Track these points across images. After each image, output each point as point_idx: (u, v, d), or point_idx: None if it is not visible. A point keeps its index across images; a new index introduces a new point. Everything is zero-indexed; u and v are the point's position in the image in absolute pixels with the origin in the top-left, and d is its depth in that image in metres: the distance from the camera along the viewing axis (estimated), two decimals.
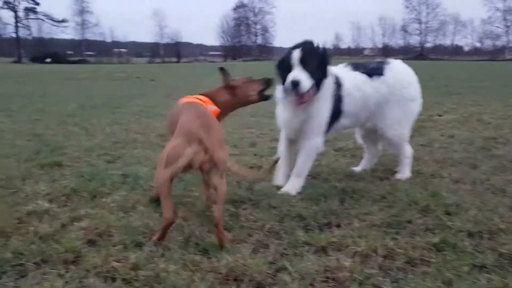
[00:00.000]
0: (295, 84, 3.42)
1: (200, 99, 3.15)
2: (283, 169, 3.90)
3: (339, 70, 3.90)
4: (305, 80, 3.43)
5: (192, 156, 2.51)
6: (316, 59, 3.51)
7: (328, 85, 3.66)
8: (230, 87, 3.35)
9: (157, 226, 2.89)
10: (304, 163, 3.77)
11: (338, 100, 3.75)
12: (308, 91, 3.48)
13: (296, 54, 3.46)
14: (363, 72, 3.94)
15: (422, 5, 78.94)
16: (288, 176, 3.83)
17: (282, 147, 3.98)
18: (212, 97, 3.26)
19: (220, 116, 3.21)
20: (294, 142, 3.92)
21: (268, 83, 3.40)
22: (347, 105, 3.83)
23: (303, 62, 3.45)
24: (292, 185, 3.69)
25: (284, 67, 3.54)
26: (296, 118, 3.68)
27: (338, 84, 3.75)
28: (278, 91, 3.77)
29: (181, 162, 2.50)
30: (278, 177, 3.89)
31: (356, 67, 4.00)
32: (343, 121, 3.92)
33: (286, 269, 2.36)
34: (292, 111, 3.67)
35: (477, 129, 6.79)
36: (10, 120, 7.61)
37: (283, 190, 3.65)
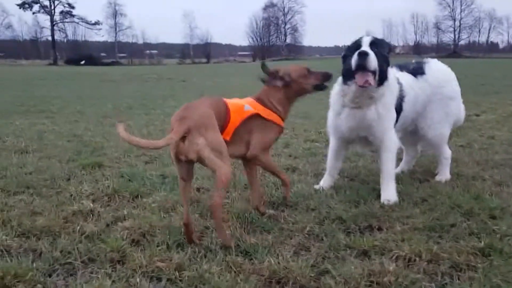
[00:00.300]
0: (363, 54, 3.26)
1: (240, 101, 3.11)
2: (331, 171, 3.88)
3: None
4: (373, 57, 3.28)
5: (170, 145, 2.58)
6: (384, 49, 3.44)
7: (393, 83, 3.58)
8: (282, 82, 3.12)
9: (198, 226, 2.94)
10: (388, 163, 3.61)
11: (400, 99, 3.68)
12: (372, 73, 3.32)
13: (367, 38, 3.40)
14: (408, 73, 3.90)
15: (456, 1, 77.09)
16: (334, 178, 3.88)
17: (332, 149, 3.89)
18: (261, 98, 3.13)
19: (282, 111, 3.13)
20: (345, 145, 3.88)
21: (326, 77, 3.19)
22: (406, 104, 3.76)
23: (372, 45, 3.35)
24: (390, 191, 3.53)
25: (351, 50, 3.40)
26: (360, 122, 3.52)
27: (399, 83, 3.69)
28: (335, 91, 3.66)
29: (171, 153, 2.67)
30: (326, 180, 3.86)
31: (400, 67, 3.95)
32: (398, 122, 3.79)
33: (329, 272, 2.35)
34: (352, 112, 3.52)
35: None
36: (51, 121, 7.86)
37: (383, 200, 3.46)
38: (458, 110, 4.19)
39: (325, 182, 3.87)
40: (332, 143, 3.89)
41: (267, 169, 3.27)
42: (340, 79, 3.58)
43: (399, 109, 3.68)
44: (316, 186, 3.82)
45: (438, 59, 4.23)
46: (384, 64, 3.39)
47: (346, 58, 3.46)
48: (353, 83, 3.39)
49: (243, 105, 3.02)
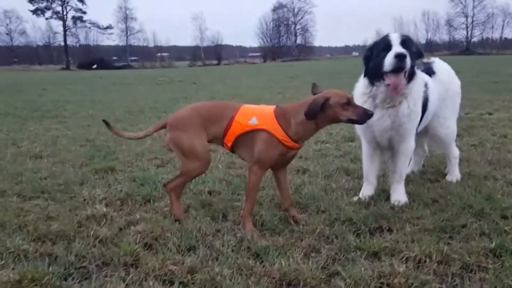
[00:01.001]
0: (402, 57, 3.11)
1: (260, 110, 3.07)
2: (370, 178, 3.70)
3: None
4: (409, 57, 3.14)
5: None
6: (414, 47, 3.30)
7: (420, 83, 3.46)
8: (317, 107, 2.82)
9: (209, 229, 2.98)
10: (404, 166, 3.59)
11: (425, 99, 3.58)
12: (404, 75, 3.23)
13: (396, 36, 3.22)
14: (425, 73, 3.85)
15: None
16: (374, 186, 3.70)
17: (365, 153, 3.74)
18: (282, 112, 2.96)
19: (300, 133, 2.92)
20: (377, 148, 3.68)
21: (366, 115, 2.84)
22: (431, 104, 3.68)
23: (403, 44, 3.20)
24: (400, 192, 3.53)
25: (379, 49, 3.25)
26: (393, 122, 3.39)
27: (425, 85, 3.62)
28: (359, 93, 3.49)
29: None
30: (366, 189, 3.69)
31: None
32: (421, 124, 3.71)
33: (339, 274, 2.38)
34: (386, 112, 3.38)
35: None
36: (63, 126, 7.97)
37: (393, 201, 3.46)
38: (459, 104, 4.19)
39: (364, 191, 3.67)
40: (365, 146, 3.74)
41: (247, 186, 3.06)
42: (364, 80, 3.44)
43: (424, 110, 3.58)
44: (355, 198, 3.58)
45: (450, 57, 4.22)
46: (413, 65, 3.30)
47: (372, 57, 3.31)
48: (382, 84, 3.28)
49: (251, 117, 2.99)
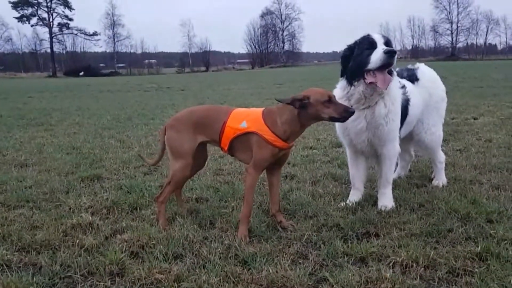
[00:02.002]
0: (392, 53, 3.13)
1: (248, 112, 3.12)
2: (356, 183, 3.70)
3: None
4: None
5: None
6: (393, 47, 3.29)
7: (396, 83, 3.48)
8: (301, 104, 2.87)
9: (196, 237, 2.96)
10: (390, 171, 3.58)
11: (406, 101, 3.60)
12: (389, 73, 3.25)
13: (379, 36, 3.25)
14: (407, 79, 3.89)
15: (453, 4, 77.40)
16: (362, 191, 3.71)
17: (349, 158, 3.75)
18: (269, 113, 3.00)
19: (287, 132, 2.93)
20: (360, 153, 3.65)
21: (347, 113, 2.85)
22: (411, 108, 3.70)
23: (386, 44, 3.22)
24: (387, 198, 3.54)
25: (362, 48, 3.24)
26: (368, 124, 3.38)
27: (403, 87, 3.64)
28: (338, 97, 3.32)
29: None
30: (354, 194, 3.69)
31: (398, 74, 3.82)
32: (403, 128, 3.73)
33: (326, 280, 2.37)
34: (362, 114, 3.36)
35: None
36: (49, 134, 7.88)
37: (380, 206, 3.46)
38: (444, 109, 4.22)
39: (352, 197, 3.67)
40: (348, 152, 3.75)
41: (245, 189, 3.06)
42: (342, 81, 3.42)
43: (405, 112, 3.60)
44: (342, 204, 3.56)
45: (435, 62, 4.27)
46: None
47: (353, 56, 3.30)
48: (361, 83, 3.28)
49: (241, 120, 3.04)
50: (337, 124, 3.63)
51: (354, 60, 3.30)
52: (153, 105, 13.26)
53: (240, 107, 3.30)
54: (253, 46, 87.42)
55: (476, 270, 2.42)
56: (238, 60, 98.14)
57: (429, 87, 3.97)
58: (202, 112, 3.23)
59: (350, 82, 3.34)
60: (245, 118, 3.04)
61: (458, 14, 77.91)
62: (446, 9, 78.38)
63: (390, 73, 3.32)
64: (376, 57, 3.17)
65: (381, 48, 3.18)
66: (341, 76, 3.45)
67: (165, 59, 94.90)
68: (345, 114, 2.85)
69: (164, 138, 3.24)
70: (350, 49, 3.35)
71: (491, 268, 2.42)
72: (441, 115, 4.17)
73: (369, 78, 3.24)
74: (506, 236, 2.79)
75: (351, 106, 3.32)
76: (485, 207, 3.29)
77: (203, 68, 76.68)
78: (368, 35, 3.30)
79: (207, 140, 3.20)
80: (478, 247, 2.64)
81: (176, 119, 3.25)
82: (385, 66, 3.20)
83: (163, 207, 3.23)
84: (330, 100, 2.86)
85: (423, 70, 4.07)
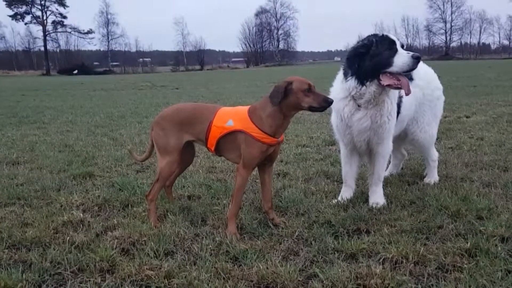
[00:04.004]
0: (419, 59, 3.11)
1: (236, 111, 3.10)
2: (348, 181, 3.71)
3: None
4: None
5: None
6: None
7: None
8: (285, 90, 2.85)
9: (188, 234, 2.96)
10: (382, 169, 3.60)
11: (399, 100, 3.59)
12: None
13: (396, 38, 3.18)
14: None
15: (447, 3, 77.78)
16: (353, 189, 3.72)
17: (343, 156, 3.73)
18: (254, 110, 2.99)
19: (272, 126, 2.91)
20: (355, 151, 3.66)
21: (326, 102, 2.85)
22: (403, 107, 3.70)
23: (402, 47, 3.19)
24: (378, 195, 3.56)
25: (383, 48, 3.15)
26: (373, 122, 3.37)
27: None
28: (340, 96, 3.40)
29: None
30: (346, 191, 3.70)
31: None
32: (396, 126, 3.69)
33: (317, 276, 2.38)
34: (368, 113, 3.35)
35: (508, 130, 6.64)
36: (42, 132, 7.84)
37: (371, 203, 3.48)
38: (442, 108, 4.23)
39: (343, 194, 3.67)
40: (343, 150, 3.73)
41: (234, 188, 3.05)
42: (350, 80, 3.28)
43: (397, 111, 3.60)
44: (334, 201, 3.56)
45: (429, 61, 4.25)
46: None
47: (370, 55, 3.17)
48: (374, 84, 3.21)
49: (227, 119, 3.02)
50: (336, 123, 3.61)
51: (371, 60, 3.17)
52: (147, 104, 13.22)
53: (234, 105, 3.28)
54: (248, 45, 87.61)
55: (465, 266, 2.44)
56: (233, 59, 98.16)
57: (422, 87, 3.95)
58: (188, 111, 3.20)
59: (362, 82, 3.24)
60: (231, 116, 3.01)
61: (451, 14, 78.44)
62: (440, 8, 78.90)
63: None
64: (403, 61, 3.11)
65: (405, 52, 3.13)
66: (350, 75, 3.29)
67: (160, 58, 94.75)
68: (324, 104, 2.85)
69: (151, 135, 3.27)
70: (366, 47, 3.20)
71: (480, 264, 2.44)
72: (436, 114, 4.16)
73: (385, 80, 3.17)
74: (495, 233, 2.81)
75: (359, 106, 3.33)
76: (475, 204, 3.31)
77: (197, 67, 76.58)
78: (387, 35, 3.22)
79: (193, 140, 3.19)
80: (467, 243, 2.66)
81: (162, 116, 3.24)
82: (409, 71, 3.18)
83: (153, 204, 3.22)
84: (310, 89, 2.86)
85: (417, 70, 4.05)
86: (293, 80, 2.88)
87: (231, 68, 74.49)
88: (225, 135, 3.01)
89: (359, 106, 3.35)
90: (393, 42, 3.16)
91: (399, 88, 3.21)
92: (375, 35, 3.25)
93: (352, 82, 3.28)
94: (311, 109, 2.88)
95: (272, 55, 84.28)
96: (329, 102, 2.86)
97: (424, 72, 4.07)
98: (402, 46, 3.20)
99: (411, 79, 3.89)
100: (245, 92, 16.54)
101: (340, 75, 3.46)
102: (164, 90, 20.36)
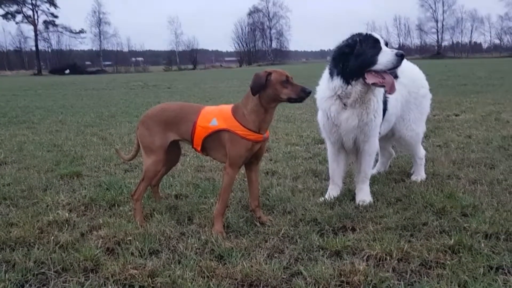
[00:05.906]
0: (403, 56, 3.13)
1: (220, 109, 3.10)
2: (335, 179, 3.72)
3: None
4: None
5: None
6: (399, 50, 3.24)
7: None
8: (266, 79, 2.87)
9: (174, 233, 2.96)
10: (369, 166, 3.61)
11: (384, 101, 3.60)
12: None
13: (380, 37, 3.19)
14: None
15: (438, 2, 78.18)
16: (340, 187, 3.73)
17: (330, 154, 3.73)
18: (237, 108, 3.00)
19: (256, 121, 2.91)
20: (342, 149, 3.67)
21: (304, 93, 2.84)
22: (390, 104, 3.70)
23: (386, 45, 3.20)
24: (365, 193, 3.57)
25: (367, 46, 3.16)
26: (360, 121, 3.38)
27: None
28: (326, 95, 3.43)
29: None
30: (333, 189, 3.71)
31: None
32: (383, 125, 3.73)
33: (301, 274, 2.39)
34: (354, 112, 3.36)
35: (495, 128, 6.69)
36: (31, 132, 7.79)
37: (358, 201, 3.50)
38: (428, 106, 4.24)
39: (330, 192, 3.68)
40: (330, 149, 3.73)
41: (222, 187, 3.05)
42: (336, 79, 3.29)
43: (384, 109, 3.60)
44: (321, 199, 3.58)
45: (421, 60, 4.26)
46: None
47: (354, 54, 3.18)
48: (359, 83, 3.23)
49: (211, 118, 3.01)
50: (323, 122, 3.60)
51: (356, 59, 3.18)
52: (138, 103, 13.18)
53: (227, 104, 3.26)
54: (241, 44, 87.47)
55: (448, 262, 2.45)
56: (226, 58, 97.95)
57: (409, 85, 3.97)
58: (173, 110, 3.19)
59: (348, 81, 3.26)
60: (215, 115, 3.01)
61: (443, 13, 78.81)
62: (431, 7, 79.18)
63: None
64: (387, 59, 3.12)
65: (389, 49, 3.15)
66: (336, 74, 3.30)
67: (152, 57, 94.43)
68: (302, 94, 2.85)
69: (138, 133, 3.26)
70: (350, 46, 3.22)
71: (462, 260, 2.45)
72: (422, 112, 4.17)
73: (370, 79, 3.19)
74: (479, 229, 2.83)
75: (345, 105, 3.34)
76: (460, 201, 3.34)
77: (190, 66, 76.34)
78: (371, 34, 3.23)
79: (179, 139, 3.19)
80: (451, 240, 2.68)
81: (147, 115, 3.25)
82: (394, 69, 3.18)
83: (138, 204, 3.22)
84: (288, 80, 2.87)
85: (402, 68, 4.07)
86: (271, 71, 2.90)
87: (224, 67, 74.41)
88: (210, 134, 3.01)
89: (345, 105, 3.36)
90: (377, 41, 3.17)
91: (384, 86, 3.22)
92: (359, 34, 3.26)
93: (337, 81, 3.30)
94: (290, 100, 2.88)
95: (265, 54, 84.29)
96: (307, 92, 2.86)
97: (410, 70, 4.08)
98: (386, 44, 3.21)
99: (396, 77, 3.91)
100: (238, 92, 16.52)
101: (326, 74, 3.47)
102: (156, 90, 20.28)
